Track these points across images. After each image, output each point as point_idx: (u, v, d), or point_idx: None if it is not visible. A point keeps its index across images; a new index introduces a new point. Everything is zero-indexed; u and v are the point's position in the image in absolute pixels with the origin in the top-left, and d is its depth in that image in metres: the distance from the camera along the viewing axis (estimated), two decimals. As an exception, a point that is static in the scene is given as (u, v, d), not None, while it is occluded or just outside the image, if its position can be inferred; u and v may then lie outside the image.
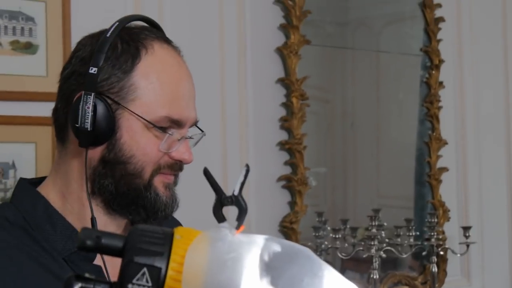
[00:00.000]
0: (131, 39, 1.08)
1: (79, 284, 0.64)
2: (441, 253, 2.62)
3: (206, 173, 0.69)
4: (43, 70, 1.91)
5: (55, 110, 1.13)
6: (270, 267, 0.62)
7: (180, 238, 0.62)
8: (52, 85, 1.94)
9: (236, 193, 0.66)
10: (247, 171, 0.67)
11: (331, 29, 2.58)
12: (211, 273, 0.61)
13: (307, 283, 0.62)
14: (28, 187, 1.11)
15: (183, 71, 1.12)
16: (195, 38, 2.18)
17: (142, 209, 1.09)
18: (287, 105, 2.36)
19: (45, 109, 1.91)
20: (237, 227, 0.64)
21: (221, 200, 0.66)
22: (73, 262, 1.04)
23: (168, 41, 1.13)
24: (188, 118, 1.11)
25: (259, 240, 0.62)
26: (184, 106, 1.10)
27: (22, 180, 1.14)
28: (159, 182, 1.09)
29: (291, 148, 2.35)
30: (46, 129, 1.89)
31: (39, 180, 1.15)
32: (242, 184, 0.67)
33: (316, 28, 2.48)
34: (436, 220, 2.61)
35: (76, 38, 1.90)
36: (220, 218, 0.66)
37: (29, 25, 1.90)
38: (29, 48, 1.90)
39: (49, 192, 1.10)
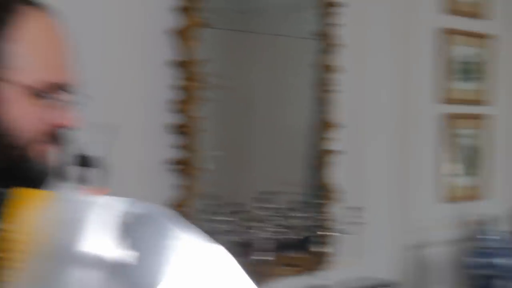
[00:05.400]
0: None
1: None
2: (330, 234, 2.68)
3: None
4: None
5: None
6: (129, 230, 0.61)
7: (14, 198, 0.59)
8: None
9: (98, 154, 0.64)
10: (114, 132, 0.65)
11: (230, 13, 2.58)
12: (49, 233, 0.58)
13: (167, 245, 0.61)
14: None
15: (57, 32, 1.09)
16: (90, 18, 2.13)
17: (21, 181, 1.04)
18: (184, 87, 2.34)
19: None
20: (94, 189, 0.62)
21: (81, 160, 0.64)
22: None
23: (34, 2, 1.09)
24: (65, 81, 1.07)
25: (112, 202, 0.61)
26: (60, 69, 1.06)
27: None
28: (39, 152, 1.05)
29: (188, 131, 2.33)
30: None
31: None
32: (107, 145, 0.65)
33: (215, 12, 2.46)
34: (324, 201, 2.66)
35: None
36: (68, 178, 0.63)
37: None
38: None
39: None
